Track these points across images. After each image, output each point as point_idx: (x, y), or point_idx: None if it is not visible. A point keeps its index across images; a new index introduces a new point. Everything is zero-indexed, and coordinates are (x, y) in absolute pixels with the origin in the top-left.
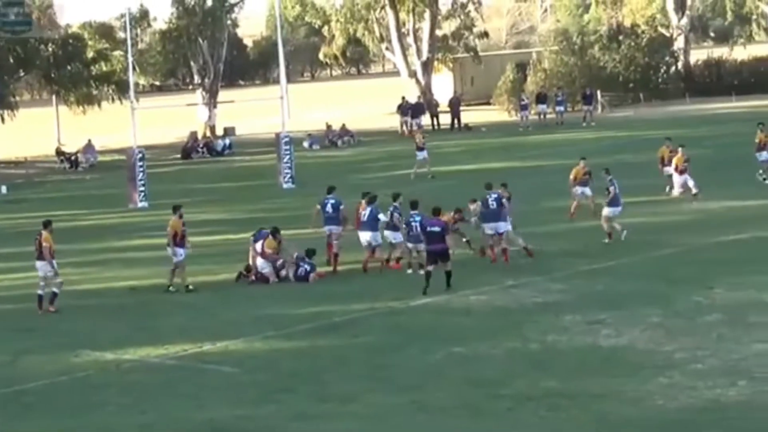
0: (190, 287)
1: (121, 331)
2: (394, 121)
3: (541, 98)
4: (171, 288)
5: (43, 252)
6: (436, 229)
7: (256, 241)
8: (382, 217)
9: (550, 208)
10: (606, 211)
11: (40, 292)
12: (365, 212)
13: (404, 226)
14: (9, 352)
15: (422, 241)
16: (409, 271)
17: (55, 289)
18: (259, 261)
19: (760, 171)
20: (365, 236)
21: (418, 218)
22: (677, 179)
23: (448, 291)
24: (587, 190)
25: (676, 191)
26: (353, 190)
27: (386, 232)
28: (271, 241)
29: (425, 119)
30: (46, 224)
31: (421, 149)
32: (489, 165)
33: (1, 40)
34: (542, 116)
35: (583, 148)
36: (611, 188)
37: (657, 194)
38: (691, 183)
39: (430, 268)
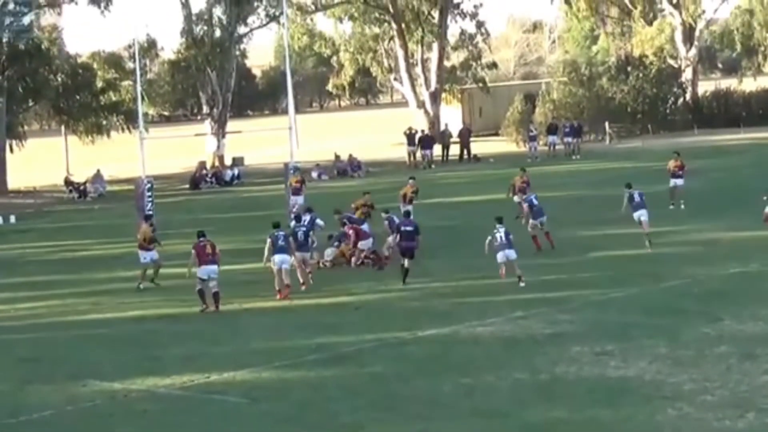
0: None
1: (129, 361)
2: (402, 152)
3: (552, 129)
4: None
5: None
6: (410, 228)
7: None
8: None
9: (558, 238)
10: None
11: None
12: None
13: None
14: (15, 380)
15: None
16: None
17: None
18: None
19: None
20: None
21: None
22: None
23: (405, 285)
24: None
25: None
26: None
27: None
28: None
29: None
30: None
31: (296, 193)
32: (495, 196)
33: (11, 71)
34: (552, 147)
35: (591, 180)
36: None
37: (662, 225)
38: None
39: (404, 262)
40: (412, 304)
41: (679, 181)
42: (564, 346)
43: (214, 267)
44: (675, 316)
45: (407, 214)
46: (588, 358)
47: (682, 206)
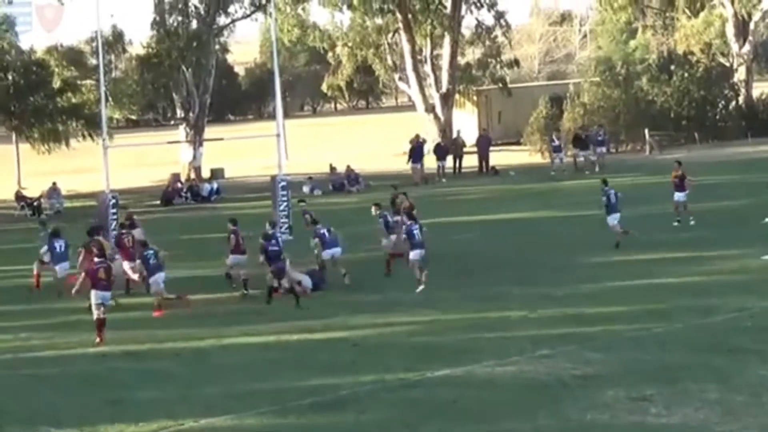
0: None
1: (89, 405)
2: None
3: (578, 142)
4: None
5: None
6: (277, 248)
7: None
8: None
9: (588, 264)
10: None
11: None
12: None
13: None
14: None
15: None
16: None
17: None
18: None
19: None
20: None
21: None
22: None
23: (298, 308)
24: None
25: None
26: (360, 241)
27: None
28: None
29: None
30: None
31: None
32: (516, 215)
33: None
34: (579, 159)
35: (626, 196)
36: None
37: (708, 250)
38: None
39: (275, 284)
40: (419, 340)
41: (680, 195)
42: (596, 390)
43: (108, 294)
44: (726, 356)
45: (269, 236)
46: (624, 404)
47: (692, 222)
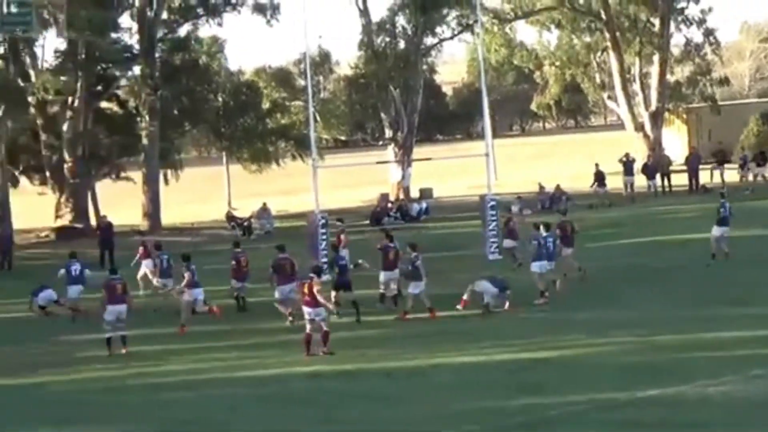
0: None
1: (302, 425)
2: (617, 182)
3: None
4: None
5: None
6: (344, 262)
7: None
8: None
9: None
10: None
11: None
12: None
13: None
14: None
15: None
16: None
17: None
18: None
19: None
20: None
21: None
22: None
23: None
24: None
25: None
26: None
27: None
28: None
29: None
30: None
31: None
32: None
33: (166, 91)
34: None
35: None
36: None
37: None
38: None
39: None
40: (627, 360)
41: None
42: None
43: (315, 310)
44: None
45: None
46: None
47: None
